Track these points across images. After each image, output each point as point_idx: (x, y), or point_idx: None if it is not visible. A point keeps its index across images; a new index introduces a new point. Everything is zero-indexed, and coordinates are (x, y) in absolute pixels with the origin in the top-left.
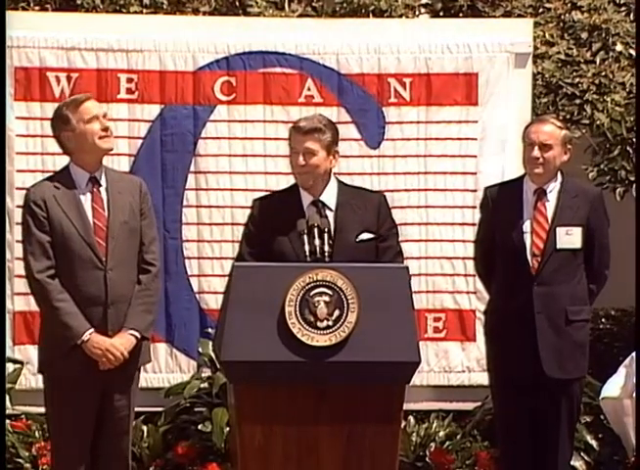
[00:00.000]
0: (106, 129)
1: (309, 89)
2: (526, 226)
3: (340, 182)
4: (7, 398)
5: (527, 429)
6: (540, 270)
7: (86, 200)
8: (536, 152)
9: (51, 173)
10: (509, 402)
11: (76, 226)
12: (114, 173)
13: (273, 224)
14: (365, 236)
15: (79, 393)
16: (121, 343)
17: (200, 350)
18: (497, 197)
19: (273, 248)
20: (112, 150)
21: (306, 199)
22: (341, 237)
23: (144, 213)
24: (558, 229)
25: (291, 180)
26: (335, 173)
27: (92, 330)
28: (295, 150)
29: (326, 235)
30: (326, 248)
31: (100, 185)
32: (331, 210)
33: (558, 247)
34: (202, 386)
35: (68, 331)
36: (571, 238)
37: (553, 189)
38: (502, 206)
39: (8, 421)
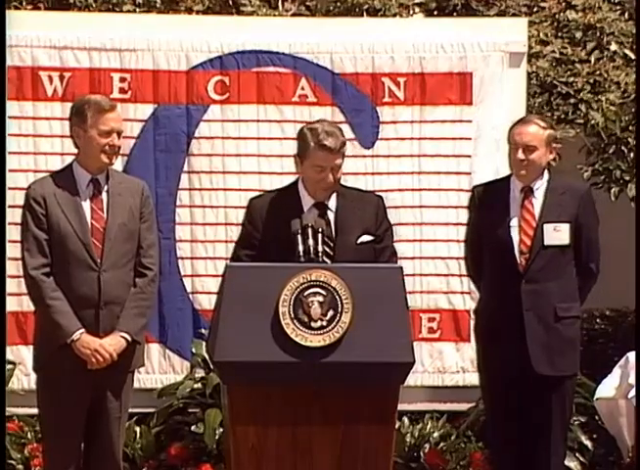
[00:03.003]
0: (113, 147)
1: (303, 88)
2: (514, 224)
3: (340, 185)
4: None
5: (518, 428)
6: (528, 268)
7: (86, 201)
8: (520, 154)
9: (50, 172)
10: (499, 402)
11: (73, 226)
12: (117, 175)
13: (271, 225)
14: (365, 238)
15: (70, 392)
16: (111, 344)
17: (193, 350)
18: (484, 196)
19: (271, 249)
20: (111, 166)
21: (307, 200)
22: (342, 239)
23: (144, 217)
24: (545, 226)
25: (283, 180)
26: None
27: (82, 330)
28: (321, 168)
29: (319, 235)
30: (319, 248)
31: (101, 187)
32: (332, 211)
33: (545, 243)
34: (195, 386)
35: (58, 330)
36: (558, 234)
37: (540, 187)
38: (489, 204)
39: None
